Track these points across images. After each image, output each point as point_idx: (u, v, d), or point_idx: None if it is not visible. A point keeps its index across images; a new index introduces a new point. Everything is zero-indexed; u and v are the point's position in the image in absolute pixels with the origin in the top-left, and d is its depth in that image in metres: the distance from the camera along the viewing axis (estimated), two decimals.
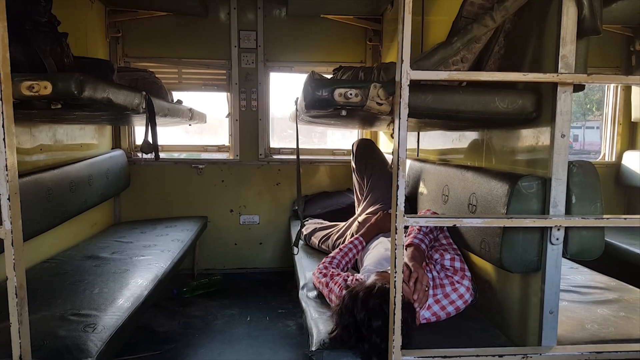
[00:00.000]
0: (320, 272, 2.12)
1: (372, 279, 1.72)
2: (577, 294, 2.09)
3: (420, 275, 1.73)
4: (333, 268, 2.16)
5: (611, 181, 3.89)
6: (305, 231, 3.10)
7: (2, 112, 1.24)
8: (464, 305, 1.84)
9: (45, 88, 1.45)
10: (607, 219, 1.46)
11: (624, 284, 2.22)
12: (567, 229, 1.51)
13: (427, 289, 1.73)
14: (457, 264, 1.89)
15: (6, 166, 1.26)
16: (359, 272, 2.19)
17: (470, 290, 1.86)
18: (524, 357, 1.47)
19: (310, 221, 3.36)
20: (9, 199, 1.27)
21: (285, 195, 4.20)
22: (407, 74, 1.31)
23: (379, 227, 2.42)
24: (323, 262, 2.22)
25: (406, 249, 1.89)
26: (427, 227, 1.99)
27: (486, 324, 1.85)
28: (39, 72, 1.67)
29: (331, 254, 2.29)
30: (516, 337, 1.71)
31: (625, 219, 1.48)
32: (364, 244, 2.36)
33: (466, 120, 1.71)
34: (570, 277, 2.31)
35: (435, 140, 2.69)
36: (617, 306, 1.95)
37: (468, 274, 1.88)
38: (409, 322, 1.52)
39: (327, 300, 2.00)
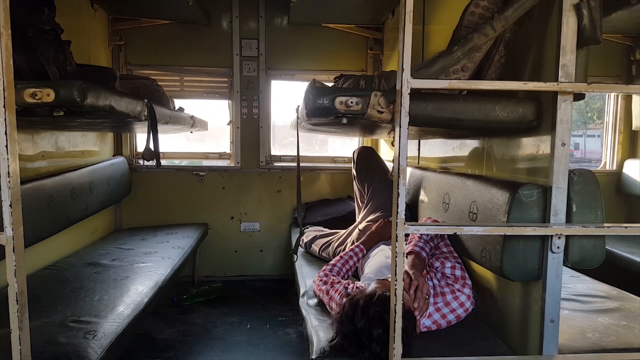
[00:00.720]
0: (321, 280, 2.12)
1: (372, 287, 1.72)
2: (578, 303, 2.09)
3: (420, 284, 1.73)
4: (334, 276, 2.16)
5: (612, 190, 3.89)
6: (305, 239, 3.09)
7: (5, 119, 1.25)
8: (464, 313, 1.84)
9: (48, 95, 1.46)
10: (608, 227, 1.46)
11: (625, 292, 2.22)
12: (567, 237, 1.51)
13: (427, 297, 1.73)
14: (458, 272, 1.89)
15: (8, 172, 1.26)
16: (359, 280, 2.19)
17: (471, 298, 1.85)
18: None
19: (310, 229, 3.36)
20: (10, 205, 1.28)
21: (285, 203, 4.20)
22: (408, 83, 1.31)
23: (380, 235, 2.41)
24: (324, 270, 2.22)
25: (407, 257, 1.89)
26: (427, 235, 1.99)
27: (487, 333, 1.84)
28: (42, 79, 1.68)
29: (332, 262, 2.29)
30: (517, 345, 1.71)
31: (626, 227, 1.48)
32: (365, 251, 2.36)
33: (467, 128, 1.72)
34: (571, 285, 2.30)
35: (436, 148, 2.70)
36: (618, 315, 1.95)
37: (469, 282, 1.88)
38: (409, 330, 1.52)
39: (328, 308, 1.99)
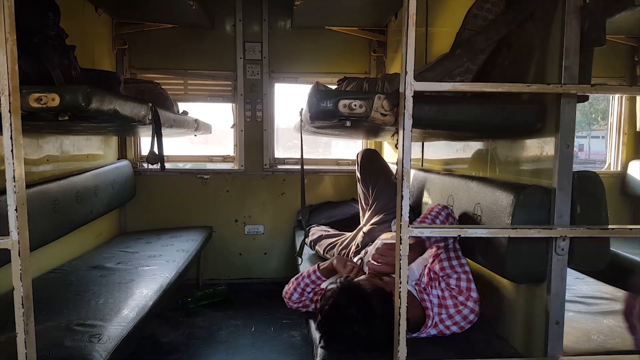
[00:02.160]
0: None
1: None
2: (583, 305, 2.08)
3: (388, 261, 1.72)
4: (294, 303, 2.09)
5: (616, 191, 3.87)
6: (311, 237, 3.10)
7: (11, 124, 1.26)
8: (468, 325, 1.77)
9: (53, 100, 1.47)
10: (612, 229, 1.45)
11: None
12: (572, 239, 1.51)
13: (378, 264, 1.74)
14: (463, 284, 1.78)
15: (14, 177, 1.27)
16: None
17: (476, 311, 1.77)
18: None
19: (316, 227, 3.36)
20: (16, 209, 1.28)
21: (289, 205, 4.20)
22: (411, 86, 1.32)
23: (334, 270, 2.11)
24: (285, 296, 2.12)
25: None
26: (437, 212, 1.91)
27: (491, 335, 1.84)
28: (47, 84, 1.69)
29: (289, 292, 2.13)
30: (521, 348, 1.70)
31: (630, 229, 1.47)
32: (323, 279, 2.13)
33: (470, 130, 1.72)
34: (576, 287, 2.30)
35: (440, 150, 2.69)
36: (623, 317, 1.94)
37: (474, 294, 1.77)
38: (378, 313, 1.55)
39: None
